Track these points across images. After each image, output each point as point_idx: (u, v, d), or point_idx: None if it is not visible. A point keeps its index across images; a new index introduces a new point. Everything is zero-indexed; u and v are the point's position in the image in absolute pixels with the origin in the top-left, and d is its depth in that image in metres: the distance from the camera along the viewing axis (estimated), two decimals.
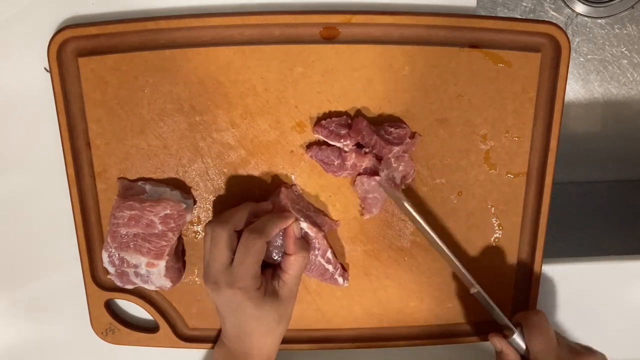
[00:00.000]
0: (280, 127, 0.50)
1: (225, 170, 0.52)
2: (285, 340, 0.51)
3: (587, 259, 0.58)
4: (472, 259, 0.54)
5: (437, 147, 0.51)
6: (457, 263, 0.51)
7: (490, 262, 0.54)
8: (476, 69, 0.49)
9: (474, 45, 0.49)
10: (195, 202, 0.52)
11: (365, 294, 0.55)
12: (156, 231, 0.49)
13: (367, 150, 0.49)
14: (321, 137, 0.50)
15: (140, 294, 0.55)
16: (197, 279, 0.54)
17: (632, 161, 0.84)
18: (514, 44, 0.49)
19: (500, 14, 0.78)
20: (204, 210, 0.53)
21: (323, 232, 0.51)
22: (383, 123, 0.50)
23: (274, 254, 0.49)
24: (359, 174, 0.50)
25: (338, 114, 0.50)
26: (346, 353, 0.57)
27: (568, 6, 0.79)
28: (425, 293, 0.55)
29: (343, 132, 0.49)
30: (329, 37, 0.49)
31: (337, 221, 0.53)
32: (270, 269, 0.49)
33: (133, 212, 0.49)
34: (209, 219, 0.53)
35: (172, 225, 0.49)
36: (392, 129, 0.49)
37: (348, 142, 0.49)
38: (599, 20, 0.79)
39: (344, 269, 0.53)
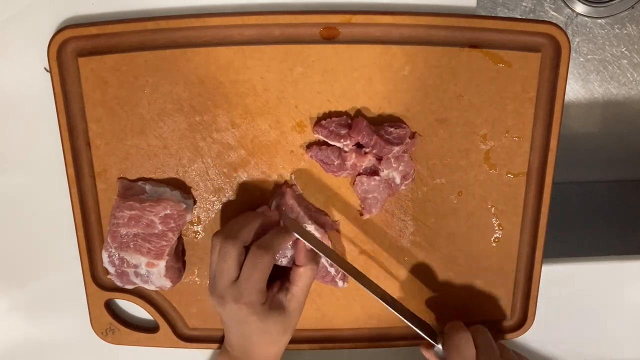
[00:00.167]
0: (280, 127, 0.50)
1: (225, 170, 0.52)
2: None
3: (587, 259, 0.58)
4: (472, 259, 0.54)
5: (437, 147, 0.51)
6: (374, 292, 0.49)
7: (490, 262, 0.54)
8: (476, 69, 0.49)
9: (474, 45, 0.49)
10: (195, 202, 0.52)
11: (365, 294, 0.54)
12: (156, 231, 0.49)
13: (367, 150, 0.49)
14: (321, 137, 0.50)
15: (140, 294, 0.55)
16: (197, 279, 0.54)
17: (632, 161, 0.84)
18: (514, 44, 0.49)
19: (500, 14, 0.78)
20: (204, 210, 0.53)
21: (327, 234, 0.51)
22: (383, 123, 0.50)
23: (277, 255, 0.49)
24: (359, 174, 0.50)
25: (338, 114, 0.50)
26: (346, 353, 0.57)
27: (568, 6, 0.79)
28: (424, 293, 0.55)
29: (343, 132, 0.49)
30: (329, 37, 0.49)
31: (336, 221, 0.53)
32: (277, 281, 0.49)
33: (133, 212, 0.49)
34: (214, 223, 0.53)
35: (172, 225, 0.49)
36: (392, 129, 0.49)
37: (348, 142, 0.49)
38: (599, 20, 0.79)
39: None
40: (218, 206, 0.53)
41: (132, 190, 0.50)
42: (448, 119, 0.50)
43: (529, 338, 0.58)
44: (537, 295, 0.55)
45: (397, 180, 0.50)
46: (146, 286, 0.52)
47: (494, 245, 0.54)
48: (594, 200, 0.84)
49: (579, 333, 0.59)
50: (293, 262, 0.49)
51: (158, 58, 0.49)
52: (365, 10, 0.49)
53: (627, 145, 0.84)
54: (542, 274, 0.54)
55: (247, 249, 0.46)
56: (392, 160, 0.49)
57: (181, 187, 0.52)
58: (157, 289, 0.52)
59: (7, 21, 0.50)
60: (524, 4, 0.78)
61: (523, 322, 0.56)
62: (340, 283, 0.52)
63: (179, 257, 0.53)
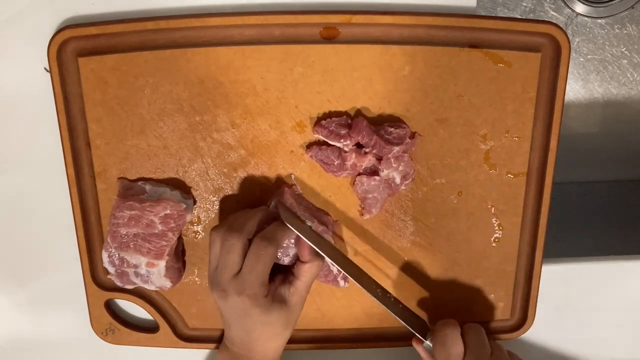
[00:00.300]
0: (280, 127, 0.50)
1: (225, 170, 0.52)
2: None
3: (587, 259, 0.58)
4: (472, 259, 0.54)
5: (437, 147, 0.51)
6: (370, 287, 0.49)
7: (490, 262, 0.54)
8: (476, 69, 0.49)
9: (474, 45, 0.49)
10: (195, 202, 0.52)
11: (365, 294, 0.54)
12: (156, 231, 0.49)
13: (367, 150, 0.49)
14: (321, 137, 0.50)
15: (140, 294, 0.55)
16: (197, 279, 0.54)
17: (632, 161, 0.84)
18: (514, 44, 0.49)
19: (500, 14, 0.78)
20: (204, 210, 0.53)
21: (330, 232, 0.51)
22: (383, 123, 0.50)
23: (279, 254, 0.49)
24: (359, 174, 0.50)
25: (338, 114, 0.50)
26: (346, 353, 0.57)
27: (568, 6, 0.79)
28: (424, 293, 0.55)
29: (343, 132, 0.49)
30: (329, 37, 0.49)
31: (336, 221, 0.53)
32: (280, 275, 0.49)
33: (133, 212, 0.49)
34: (214, 223, 0.53)
35: (172, 225, 0.49)
36: (392, 129, 0.49)
37: (348, 142, 0.49)
38: (599, 20, 0.79)
39: None
40: (218, 206, 0.53)
41: (132, 190, 0.50)
42: (448, 119, 0.50)
43: (529, 338, 0.58)
44: (537, 295, 0.55)
45: (397, 180, 0.50)
46: (146, 286, 0.52)
47: (494, 245, 0.54)
48: (594, 200, 0.84)
49: (579, 333, 0.59)
50: (297, 259, 0.49)
51: (158, 58, 0.49)
52: (365, 10, 0.49)
53: (627, 145, 0.84)
54: (542, 274, 0.54)
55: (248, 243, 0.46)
56: (392, 160, 0.49)
57: (181, 187, 0.52)
58: (157, 289, 0.52)
59: (7, 21, 0.50)
60: (524, 4, 0.78)
61: (523, 322, 0.56)
62: (341, 283, 0.52)
63: (179, 257, 0.53)
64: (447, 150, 0.51)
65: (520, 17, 0.78)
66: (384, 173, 0.50)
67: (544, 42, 0.49)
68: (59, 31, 0.48)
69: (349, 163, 0.49)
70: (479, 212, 0.53)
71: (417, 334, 0.50)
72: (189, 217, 0.51)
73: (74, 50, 0.49)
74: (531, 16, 0.79)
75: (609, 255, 0.58)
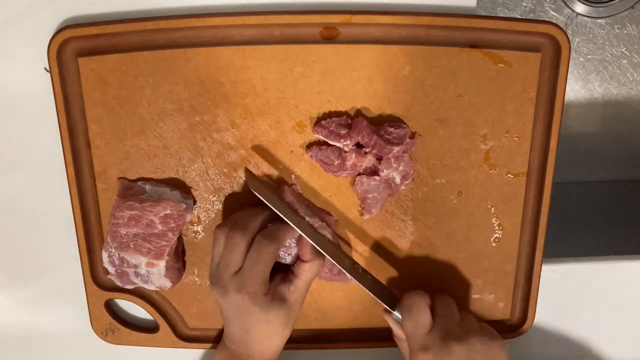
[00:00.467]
0: (280, 127, 0.50)
1: (225, 170, 0.52)
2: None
3: (587, 259, 0.58)
4: (472, 259, 0.54)
5: (437, 147, 0.51)
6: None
7: (490, 262, 0.54)
8: (476, 69, 0.49)
9: (474, 45, 0.49)
10: (195, 202, 0.52)
11: (366, 294, 0.54)
12: (156, 231, 0.49)
13: (367, 150, 0.49)
14: (321, 137, 0.50)
15: (140, 294, 0.55)
16: (197, 279, 0.54)
17: (632, 161, 0.84)
18: (514, 44, 0.49)
19: (500, 14, 0.78)
20: (204, 210, 0.53)
21: (331, 229, 0.51)
22: (383, 123, 0.50)
23: (281, 253, 0.49)
24: (359, 174, 0.50)
25: (338, 114, 0.50)
26: (346, 353, 0.57)
27: (568, 6, 0.79)
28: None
29: (343, 132, 0.49)
30: (329, 37, 0.49)
31: (336, 221, 0.53)
32: (280, 274, 0.49)
33: (133, 212, 0.49)
34: (214, 223, 0.53)
35: (172, 225, 0.49)
36: (392, 129, 0.49)
37: (348, 142, 0.49)
38: (599, 20, 0.79)
39: None
40: (218, 206, 0.53)
41: (132, 190, 0.50)
42: (448, 119, 0.50)
43: (529, 338, 0.58)
44: (537, 295, 0.55)
45: (397, 180, 0.50)
46: (146, 286, 0.52)
47: (494, 245, 0.54)
48: (594, 200, 0.84)
49: (579, 333, 0.59)
50: (298, 258, 0.49)
51: (158, 58, 0.49)
52: (365, 10, 0.49)
53: (627, 145, 0.84)
54: (542, 273, 0.54)
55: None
56: (392, 160, 0.49)
57: (181, 187, 0.52)
58: (157, 289, 0.52)
59: (7, 21, 0.50)
60: (524, 4, 0.78)
61: (523, 322, 0.56)
62: (349, 276, 0.52)
63: (179, 257, 0.53)
64: (447, 150, 0.51)
65: (520, 17, 0.78)
66: (384, 173, 0.50)
67: (544, 42, 0.49)
68: (59, 31, 0.48)
69: (349, 163, 0.49)
70: (479, 212, 0.53)
71: (385, 305, 0.49)
72: (189, 217, 0.51)
73: (74, 50, 0.49)
74: (531, 16, 0.79)
75: (609, 255, 0.58)
